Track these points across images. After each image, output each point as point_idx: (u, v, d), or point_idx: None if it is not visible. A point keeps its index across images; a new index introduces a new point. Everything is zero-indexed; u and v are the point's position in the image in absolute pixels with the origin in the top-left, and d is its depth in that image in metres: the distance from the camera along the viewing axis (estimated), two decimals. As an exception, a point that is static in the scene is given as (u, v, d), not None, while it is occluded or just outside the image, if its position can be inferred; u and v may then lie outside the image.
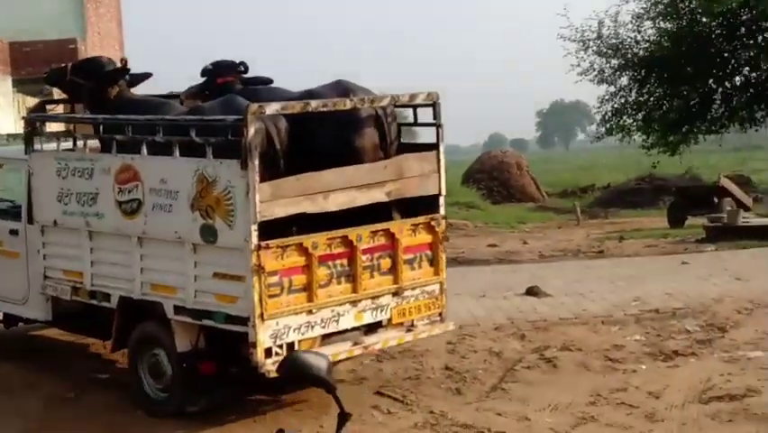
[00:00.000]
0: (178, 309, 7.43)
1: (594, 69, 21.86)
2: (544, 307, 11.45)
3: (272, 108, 6.98)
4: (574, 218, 29.68)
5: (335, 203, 7.32)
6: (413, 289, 7.90)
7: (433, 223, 7.99)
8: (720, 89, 21.09)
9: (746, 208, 22.79)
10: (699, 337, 9.66)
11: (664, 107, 20.93)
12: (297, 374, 3.46)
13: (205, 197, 7.12)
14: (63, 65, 8.41)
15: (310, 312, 7.23)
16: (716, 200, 23.06)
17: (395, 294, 7.78)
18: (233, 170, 6.94)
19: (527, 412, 7.64)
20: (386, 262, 7.73)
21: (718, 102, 21.11)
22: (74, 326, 9.08)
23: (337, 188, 7.32)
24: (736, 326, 10.00)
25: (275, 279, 7.03)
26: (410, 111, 8.48)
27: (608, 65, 21.74)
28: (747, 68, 20.95)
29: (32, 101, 26.04)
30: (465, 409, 7.76)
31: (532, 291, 12.14)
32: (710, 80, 20.76)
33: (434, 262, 8.06)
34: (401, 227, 7.76)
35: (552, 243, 22.48)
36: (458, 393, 8.24)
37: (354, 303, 7.52)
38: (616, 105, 21.69)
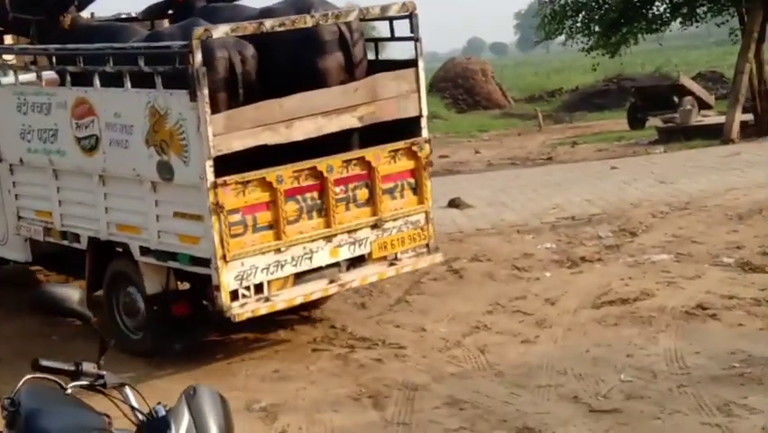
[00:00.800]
0: (144, 251, 6.98)
1: None
2: (463, 218, 11.30)
3: (220, 31, 6.37)
4: (538, 124, 29.17)
5: (301, 132, 6.74)
6: (394, 220, 7.34)
7: (414, 148, 7.37)
8: None
9: (708, 107, 22.00)
10: (608, 243, 9.56)
11: (604, 8, 20.17)
12: (47, 308, 3.35)
13: (158, 131, 6.59)
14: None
15: (279, 250, 6.72)
16: (676, 100, 22.39)
17: (374, 227, 7.22)
18: (182, 102, 6.37)
19: (425, 323, 7.64)
20: (362, 193, 7.16)
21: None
22: (55, 266, 8.73)
23: (302, 116, 6.74)
24: (647, 230, 9.90)
25: (237, 217, 6.51)
26: (382, 25, 7.83)
27: None
28: None
29: None
30: (366, 323, 7.80)
31: (454, 203, 11.92)
32: None
33: (417, 190, 7.46)
34: (377, 154, 7.17)
35: (504, 150, 22.21)
36: (362, 307, 8.20)
37: (328, 238, 6.99)
38: (555, 8, 20.97)
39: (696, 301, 7.43)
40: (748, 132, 17.75)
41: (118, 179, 7.08)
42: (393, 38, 7.82)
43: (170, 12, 7.78)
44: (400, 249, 7.46)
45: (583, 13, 20.62)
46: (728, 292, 7.55)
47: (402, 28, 7.44)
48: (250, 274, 6.59)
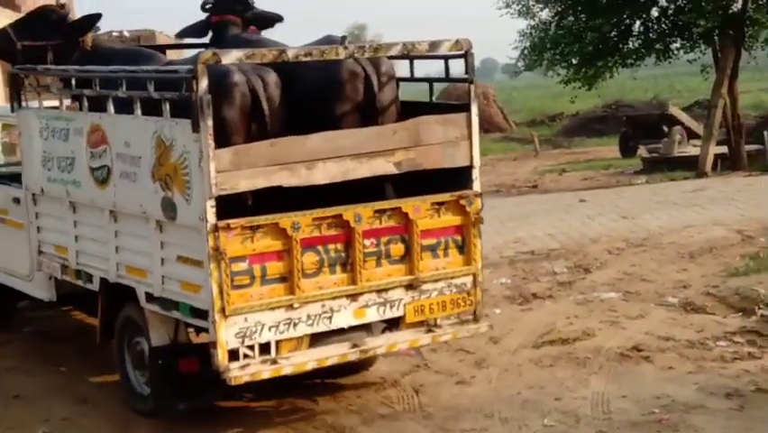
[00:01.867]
0: (150, 297, 6.29)
1: (514, 4, 21.76)
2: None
3: (232, 57, 5.69)
4: (534, 149, 29.42)
5: (324, 175, 5.95)
6: (435, 281, 6.43)
7: (462, 201, 6.49)
8: (637, 21, 20.87)
9: (698, 136, 21.77)
10: (562, 279, 9.70)
11: (579, 42, 20.51)
12: None
13: (163, 164, 5.91)
14: (2, 32, 7.32)
15: (291, 307, 5.89)
16: (665, 129, 22.52)
17: (410, 287, 6.32)
18: (186, 133, 5.73)
19: (368, 361, 7.34)
20: (397, 249, 6.29)
21: (635, 34, 20.95)
22: (82, 307, 8.17)
23: (327, 157, 5.98)
24: (601, 267, 10.00)
25: (242, 265, 5.74)
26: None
27: None
28: None
29: None
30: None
31: None
32: (626, 12, 20.40)
33: (464, 249, 6.55)
34: (417, 206, 6.30)
35: (494, 177, 22.34)
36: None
37: (353, 297, 6.13)
38: (535, 40, 21.52)
39: (633, 342, 7.46)
40: (726, 164, 18.65)
41: (127, 216, 6.45)
42: (447, 78, 7.05)
43: (209, 32, 7.23)
44: (440, 314, 6.52)
45: (561, 45, 20.97)
46: (666, 334, 7.62)
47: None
48: (254, 332, 5.80)
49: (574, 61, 20.94)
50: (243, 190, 5.71)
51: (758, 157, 19.73)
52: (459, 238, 6.55)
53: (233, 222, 5.65)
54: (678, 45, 20.78)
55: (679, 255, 10.22)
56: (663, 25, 20.69)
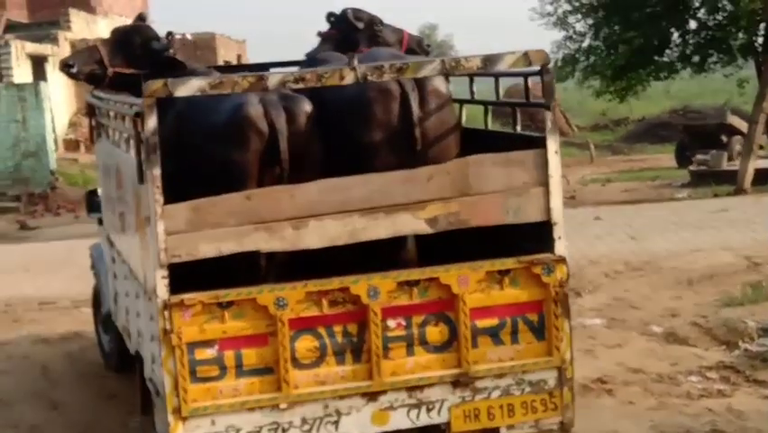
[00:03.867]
0: (149, 379, 5.22)
1: (550, 15, 20.93)
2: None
3: (189, 88, 4.44)
4: (590, 156, 27.55)
5: (320, 237, 4.50)
6: (497, 376, 4.74)
7: (536, 270, 4.76)
8: (675, 33, 20.08)
9: (760, 148, 19.15)
10: None
11: (612, 53, 19.80)
12: None
13: (138, 215, 4.84)
14: (92, 49, 6.34)
15: (277, 407, 4.53)
16: (724, 139, 20.90)
17: (457, 384, 4.70)
18: (136, 184, 4.60)
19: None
20: (437, 332, 4.67)
21: (672, 46, 20.23)
22: None
23: (323, 213, 4.54)
24: (593, 290, 9.53)
25: (208, 353, 4.42)
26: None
27: (566, 7, 20.83)
28: (702, 10, 19.81)
29: (32, 46, 23.91)
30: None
31: None
32: (664, 23, 19.51)
33: (543, 333, 4.81)
34: (465, 277, 4.66)
35: None
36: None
37: (371, 396, 4.60)
38: (569, 52, 20.80)
39: (600, 373, 7.00)
40: None
41: (128, 273, 5.46)
42: (527, 103, 5.31)
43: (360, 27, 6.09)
44: (506, 422, 4.77)
45: (593, 58, 20.37)
46: (638, 365, 7.19)
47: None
48: (226, 439, 4.49)
49: (607, 73, 20.12)
50: (204, 257, 4.43)
51: None
52: (534, 318, 4.79)
53: (189, 297, 4.36)
54: (715, 59, 19.95)
55: (677, 281, 9.65)
56: (700, 39, 19.89)
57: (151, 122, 4.31)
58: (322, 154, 4.89)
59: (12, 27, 26.04)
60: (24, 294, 10.37)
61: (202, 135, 4.90)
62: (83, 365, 7.85)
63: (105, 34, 7.87)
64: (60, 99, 23.76)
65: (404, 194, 4.59)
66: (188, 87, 4.38)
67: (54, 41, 25.14)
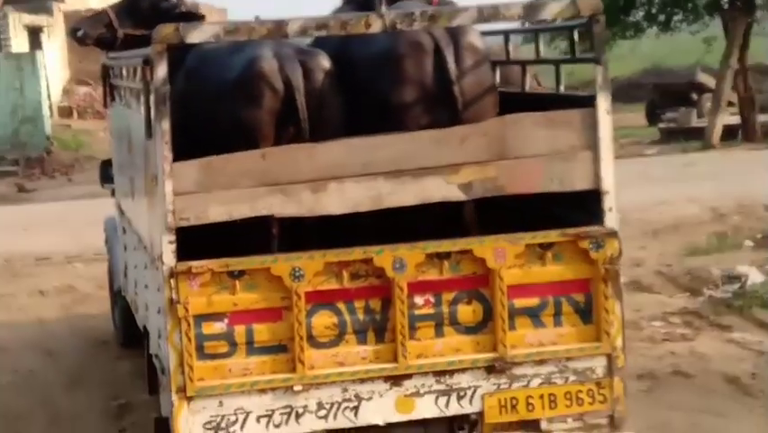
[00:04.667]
0: (155, 355, 4.78)
1: None
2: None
3: (204, 33, 3.98)
4: None
5: (340, 202, 4.04)
6: (537, 363, 4.24)
7: (584, 244, 4.26)
8: None
9: (730, 105, 19.36)
10: None
11: None
12: None
13: (147, 174, 4.42)
14: (101, 13, 5.91)
15: (291, 389, 4.09)
16: (695, 97, 21.14)
17: (491, 370, 4.22)
18: (144, 140, 4.23)
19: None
20: (469, 311, 4.18)
21: (638, 5, 19.71)
22: None
23: (345, 176, 4.12)
24: None
25: (217, 327, 4.02)
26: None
27: None
28: None
29: (28, 18, 24.09)
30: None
31: None
32: None
33: (591, 315, 4.30)
34: (502, 250, 4.18)
35: None
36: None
37: (395, 380, 4.14)
38: None
39: None
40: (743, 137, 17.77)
41: (137, 242, 5.11)
42: (573, 58, 4.83)
43: None
44: (547, 414, 4.26)
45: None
46: None
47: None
48: (234, 422, 4.01)
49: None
50: (214, 221, 4.04)
51: None
52: (580, 299, 4.28)
53: (198, 265, 3.97)
54: (681, 17, 19.76)
55: (642, 232, 9.65)
56: None
57: (161, 70, 3.94)
58: (345, 115, 4.47)
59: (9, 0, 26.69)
60: (22, 251, 10.97)
61: (213, 93, 4.56)
62: (76, 316, 8.21)
63: (97, 6, 7.66)
64: (55, 68, 24.28)
65: (434, 156, 4.14)
66: (201, 33, 3.99)
67: (49, 12, 25.65)
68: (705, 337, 6.71)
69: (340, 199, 4.06)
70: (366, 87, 4.46)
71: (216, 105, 4.49)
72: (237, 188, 4.01)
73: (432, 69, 4.41)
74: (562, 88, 4.87)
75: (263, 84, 4.34)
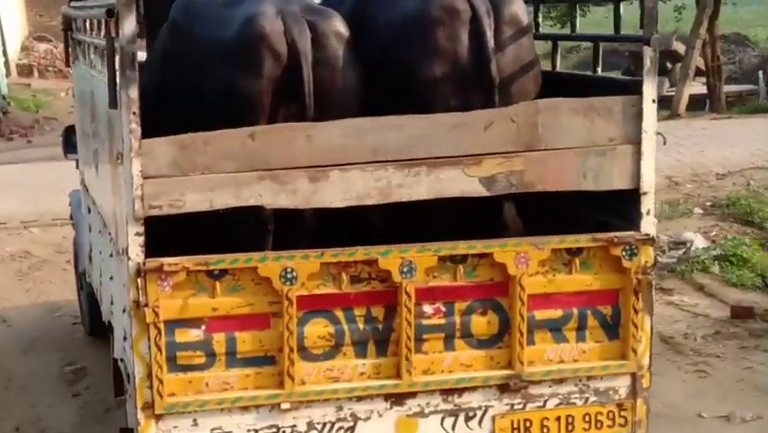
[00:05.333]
0: (120, 359, 4.21)
1: None
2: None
3: None
4: None
5: (342, 193, 3.45)
6: (556, 381, 3.73)
7: (616, 250, 3.72)
8: None
9: (702, 74, 19.11)
10: None
11: None
12: None
13: (112, 151, 3.72)
14: None
15: (278, 407, 3.54)
16: (669, 66, 20.09)
17: (504, 388, 3.70)
18: (109, 110, 3.55)
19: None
20: (484, 323, 3.66)
21: None
22: None
23: (347, 163, 3.51)
24: None
25: (192, 334, 3.43)
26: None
27: None
28: None
29: None
30: None
31: None
32: None
33: (617, 330, 3.79)
34: (525, 255, 3.62)
35: None
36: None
37: (397, 399, 3.63)
38: None
39: None
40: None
41: (102, 225, 4.43)
42: (616, 36, 4.22)
43: None
44: (564, 438, 3.80)
45: None
46: None
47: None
48: (210, 444, 3.50)
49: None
50: (192, 210, 3.41)
51: (751, 98, 18.32)
52: (607, 312, 3.75)
53: (171, 262, 3.35)
54: None
55: None
56: None
57: (128, 25, 3.24)
58: (361, 91, 3.78)
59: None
60: (-24, 215, 10.50)
61: (201, 55, 3.81)
62: (31, 282, 7.84)
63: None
64: (12, 24, 22.68)
65: (453, 144, 3.53)
66: None
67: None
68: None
69: (342, 190, 3.44)
70: (387, 58, 3.78)
71: (204, 71, 3.75)
72: (220, 172, 3.36)
73: (467, 40, 3.75)
74: (599, 70, 4.24)
75: (263, 47, 3.61)
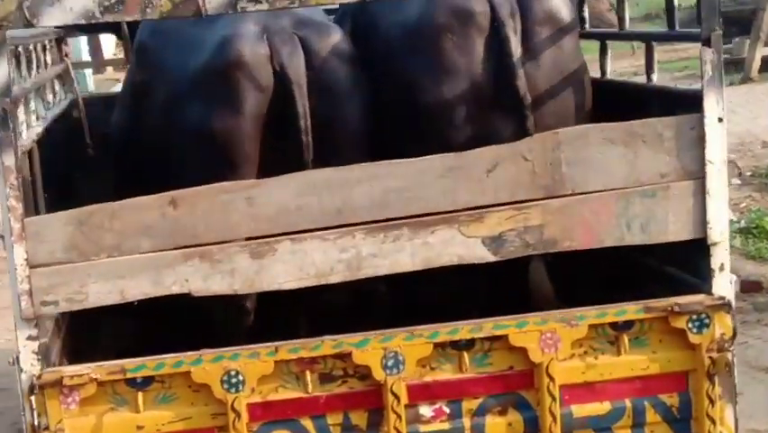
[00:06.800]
0: None
1: None
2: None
3: (64, 14, 2.50)
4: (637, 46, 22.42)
5: (295, 271, 2.60)
6: None
7: (678, 322, 2.76)
8: None
9: None
10: None
11: None
12: None
13: None
14: None
15: None
16: None
17: None
18: None
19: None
20: (502, 425, 2.72)
21: None
22: None
23: (307, 228, 2.65)
24: None
25: None
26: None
27: None
28: None
29: None
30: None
31: None
32: None
33: (687, 426, 2.79)
34: (552, 335, 2.70)
35: None
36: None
37: None
38: None
39: None
40: None
41: None
42: (673, 34, 3.19)
43: None
44: None
45: None
46: None
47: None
48: None
49: None
50: (98, 304, 2.61)
51: None
52: (673, 402, 2.78)
53: (74, 372, 2.55)
54: None
55: None
56: None
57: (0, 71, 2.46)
58: (371, 122, 2.99)
59: None
60: None
61: (170, 88, 3.06)
62: None
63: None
64: None
65: (446, 195, 2.63)
66: (63, 13, 2.45)
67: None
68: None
69: (296, 267, 2.58)
70: (389, 77, 2.96)
71: (173, 108, 3.01)
72: (133, 252, 2.55)
73: (485, 50, 2.87)
74: (654, 78, 3.22)
75: (241, 77, 2.84)
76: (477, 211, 2.62)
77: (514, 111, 2.87)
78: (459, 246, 2.62)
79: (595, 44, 3.64)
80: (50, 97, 3.67)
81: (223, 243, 2.56)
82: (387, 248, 2.60)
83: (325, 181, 2.62)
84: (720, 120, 2.67)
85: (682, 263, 2.84)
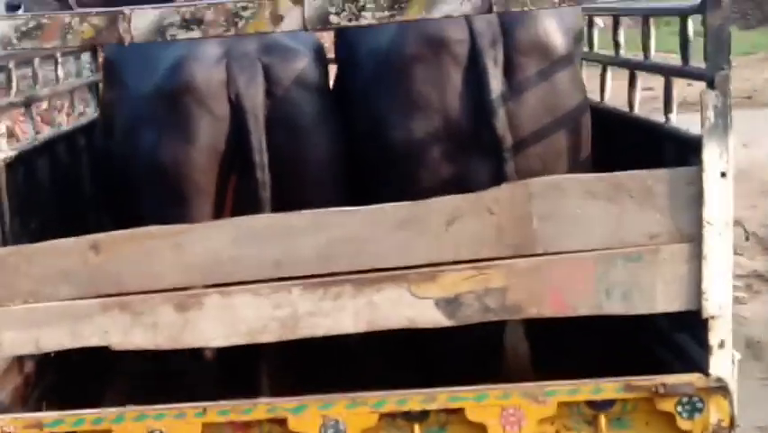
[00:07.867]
0: None
1: None
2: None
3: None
4: None
5: (223, 327, 2.29)
6: None
7: (667, 405, 2.38)
8: None
9: None
10: None
11: None
12: None
13: None
14: None
15: None
16: None
17: None
18: None
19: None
20: None
21: None
22: None
23: (239, 280, 2.37)
24: None
25: None
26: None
27: None
28: None
29: None
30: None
31: None
32: None
33: None
34: (516, 411, 2.37)
35: (737, 82, 15.72)
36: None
37: None
38: None
39: None
40: None
41: None
42: (682, 69, 2.75)
43: None
44: None
45: None
46: None
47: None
48: None
49: None
50: (10, 355, 2.40)
51: None
52: None
53: (7, 421, 2.39)
54: None
55: (761, 190, 8.35)
56: None
57: None
58: (342, 159, 2.74)
59: None
60: None
61: (129, 111, 2.85)
62: None
63: None
64: None
65: (398, 250, 2.32)
66: None
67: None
68: (758, 302, 6.28)
69: (225, 323, 2.33)
70: (359, 110, 2.70)
71: (130, 131, 2.81)
72: (51, 300, 2.33)
73: (461, 84, 2.57)
74: (673, 117, 2.79)
75: (193, 103, 2.61)
76: (430, 269, 2.31)
77: (491, 153, 2.54)
78: (407, 308, 2.31)
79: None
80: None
81: (145, 293, 2.32)
82: (326, 306, 2.31)
83: (266, 228, 2.35)
84: (724, 175, 2.28)
85: (674, 336, 2.47)
